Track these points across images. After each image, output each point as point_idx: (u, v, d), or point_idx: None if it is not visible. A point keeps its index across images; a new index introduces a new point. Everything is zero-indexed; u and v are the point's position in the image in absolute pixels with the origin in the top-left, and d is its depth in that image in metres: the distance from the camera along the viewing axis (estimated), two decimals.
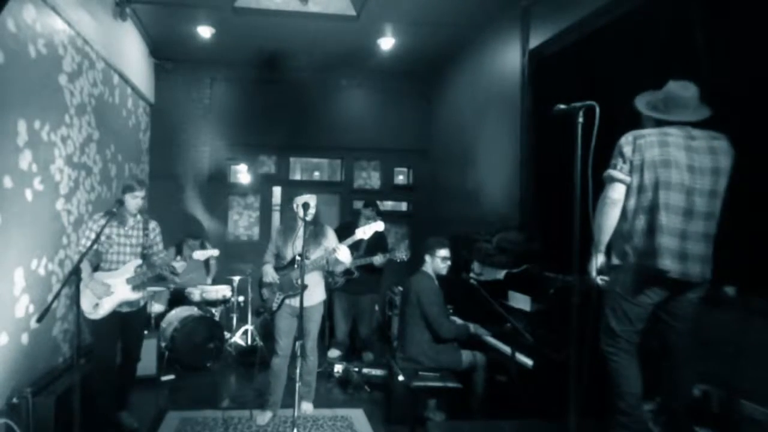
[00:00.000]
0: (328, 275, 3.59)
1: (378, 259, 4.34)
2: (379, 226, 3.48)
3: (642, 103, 2.43)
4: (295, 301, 3.33)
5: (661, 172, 2.23)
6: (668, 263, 2.19)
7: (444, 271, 3.61)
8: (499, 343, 3.49)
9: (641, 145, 2.28)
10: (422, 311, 3.42)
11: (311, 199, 3.36)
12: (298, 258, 3.36)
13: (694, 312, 2.36)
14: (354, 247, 3.65)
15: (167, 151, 6.48)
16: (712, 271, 2.26)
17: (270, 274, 3.52)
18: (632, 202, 2.31)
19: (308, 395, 3.69)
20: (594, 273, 2.43)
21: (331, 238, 3.51)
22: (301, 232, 3.39)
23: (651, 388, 2.44)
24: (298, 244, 3.37)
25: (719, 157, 2.24)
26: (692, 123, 2.30)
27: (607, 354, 2.40)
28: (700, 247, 2.22)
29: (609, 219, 2.34)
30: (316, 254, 3.40)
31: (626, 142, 2.32)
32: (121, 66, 4.96)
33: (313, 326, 3.55)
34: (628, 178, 2.31)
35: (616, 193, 2.33)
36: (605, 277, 2.44)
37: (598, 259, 2.42)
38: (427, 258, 3.61)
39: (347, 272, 4.51)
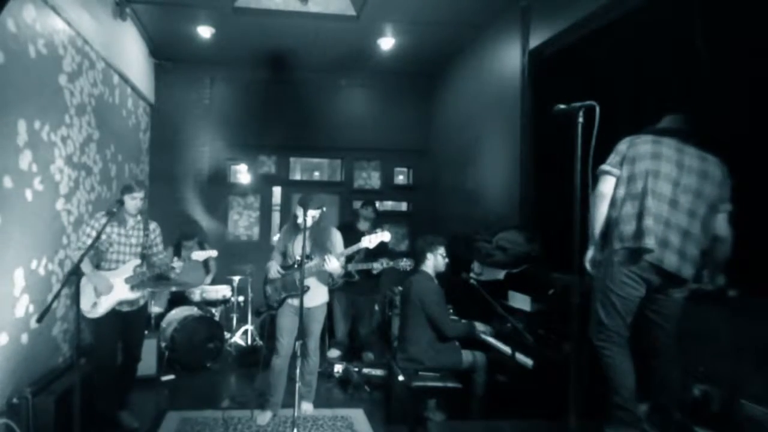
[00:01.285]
0: (328, 276, 3.59)
1: (377, 266, 4.25)
2: (385, 236, 3.46)
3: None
4: (298, 301, 3.32)
5: (651, 163, 2.34)
6: (651, 243, 2.25)
7: (443, 268, 3.61)
8: (499, 343, 3.49)
9: (637, 142, 2.41)
10: (426, 313, 3.40)
11: (317, 202, 3.36)
12: (297, 259, 3.36)
13: (680, 311, 2.40)
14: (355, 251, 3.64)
15: (167, 151, 6.47)
16: (699, 271, 2.33)
17: (274, 268, 3.52)
18: (621, 191, 2.40)
19: (308, 395, 3.69)
20: (588, 265, 2.50)
21: (336, 242, 3.52)
22: (305, 233, 3.38)
23: (644, 388, 2.44)
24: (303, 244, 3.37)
25: (708, 164, 2.35)
26: (687, 134, 2.41)
27: (600, 349, 2.42)
28: (679, 241, 2.29)
29: (598, 210, 2.45)
30: (318, 258, 3.40)
31: (623, 141, 2.46)
32: (121, 66, 4.96)
33: (317, 326, 3.56)
34: (616, 170, 2.41)
35: (605, 185, 2.43)
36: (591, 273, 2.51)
37: (590, 252, 2.50)
38: (429, 255, 3.57)
39: (347, 274, 4.50)
